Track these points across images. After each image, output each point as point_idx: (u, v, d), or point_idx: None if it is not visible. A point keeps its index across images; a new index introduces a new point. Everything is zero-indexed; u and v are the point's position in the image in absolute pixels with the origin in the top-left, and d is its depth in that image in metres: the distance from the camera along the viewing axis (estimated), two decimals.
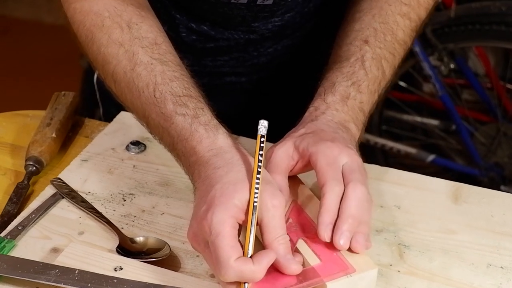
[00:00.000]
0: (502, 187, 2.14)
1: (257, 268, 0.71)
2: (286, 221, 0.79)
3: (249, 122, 1.15)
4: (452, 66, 2.12)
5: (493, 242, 0.88)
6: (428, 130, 2.34)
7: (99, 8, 0.90)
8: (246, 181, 0.74)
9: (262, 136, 0.76)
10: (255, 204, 0.73)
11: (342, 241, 0.75)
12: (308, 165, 0.81)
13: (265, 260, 0.72)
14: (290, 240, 0.76)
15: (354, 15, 0.98)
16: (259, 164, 0.74)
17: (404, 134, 2.35)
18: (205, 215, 0.73)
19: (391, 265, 0.84)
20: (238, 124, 1.08)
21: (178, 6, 1.05)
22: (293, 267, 0.73)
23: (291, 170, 0.83)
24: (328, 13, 1.11)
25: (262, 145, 0.76)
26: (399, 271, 0.83)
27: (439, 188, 0.97)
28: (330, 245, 0.76)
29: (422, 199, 0.95)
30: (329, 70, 0.92)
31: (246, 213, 0.73)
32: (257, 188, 0.73)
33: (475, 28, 1.98)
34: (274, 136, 0.86)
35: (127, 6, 0.91)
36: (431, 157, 2.23)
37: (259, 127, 0.77)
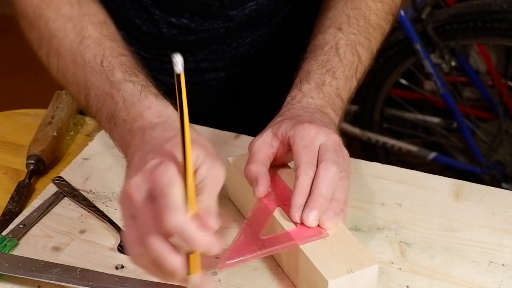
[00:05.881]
0: (503, 185, 2.14)
1: (202, 235, 0.64)
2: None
3: (232, 118, 1.16)
4: (453, 63, 2.12)
5: (494, 239, 0.88)
6: (429, 128, 2.34)
7: None
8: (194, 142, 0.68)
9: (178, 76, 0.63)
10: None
11: (311, 218, 0.77)
12: (291, 149, 0.83)
13: (211, 238, 0.65)
14: (268, 208, 0.80)
15: (328, 3, 1.00)
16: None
17: (405, 132, 2.36)
18: (157, 167, 0.68)
19: (392, 263, 0.84)
20: (222, 121, 1.09)
21: (156, 1, 1.06)
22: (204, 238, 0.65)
23: (275, 158, 0.84)
24: (304, 0, 1.13)
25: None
26: (400, 268, 0.83)
27: (441, 186, 0.97)
28: None
29: (424, 197, 0.95)
30: (304, 60, 0.94)
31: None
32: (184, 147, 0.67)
33: (477, 26, 1.98)
34: (257, 129, 0.88)
35: None
36: (432, 155, 2.23)
37: (175, 62, 0.62)
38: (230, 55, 1.12)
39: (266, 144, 0.83)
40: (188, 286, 0.67)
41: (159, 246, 0.65)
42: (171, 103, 0.80)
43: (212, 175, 0.69)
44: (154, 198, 0.66)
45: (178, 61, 0.62)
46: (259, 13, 1.09)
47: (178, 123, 0.67)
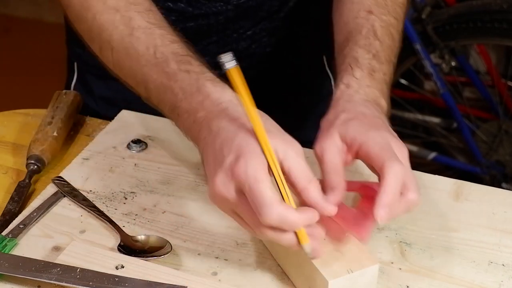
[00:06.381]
0: (503, 185, 2.14)
1: (301, 217, 0.71)
2: None
3: None
4: (453, 63, 2.12)
5: (494, 239, 0.88)
6: (429, 128, 2.34)
7: None
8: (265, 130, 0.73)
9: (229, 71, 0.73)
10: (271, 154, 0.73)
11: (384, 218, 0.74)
12: (355, 156, 0.80)
13: (310, 213, 0.71)
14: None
15: None
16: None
17: (405, 132, 2.36)
18: (236, 163, 0.71)
19: (392, 262, 0.84)
20: None
21: None
22: (330, 208, 0.73)
23: None
24: None
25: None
26: (400, 268, 0.83)
27: (441, 186, 0.97)
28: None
29: (424, 196, 0.94)
30: (344, 47, 0.91)
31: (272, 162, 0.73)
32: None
33: (477, 26, 1.98)
34: None
35: None
36: (432, 155, 2.23)
37: (224, 60, 0.73)
38: (231, 48, 1.11)
39: (338, 150, 0.79)
40: (305, 252, 0.73)
41: (269, 234, 0.72)
42: (228, 86, 0.79)
43: (290, 157, 0.73)
44: (245, 193, 0.71)
45: (225, 59, 0.72)
46: (259, 1, 1.08)
47: (241, 109, 0.74)
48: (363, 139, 0.78)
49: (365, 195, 0.80)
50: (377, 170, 0.76)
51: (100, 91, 1.20)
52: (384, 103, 0.86)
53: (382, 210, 0.73)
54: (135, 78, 0.87)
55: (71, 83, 1.24)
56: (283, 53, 1.16)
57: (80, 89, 1.22)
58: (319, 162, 0.79)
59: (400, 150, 0.78)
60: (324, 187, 0.77)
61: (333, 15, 1.00)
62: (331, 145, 0.79)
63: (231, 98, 0.79)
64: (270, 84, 1.19)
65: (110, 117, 1.09)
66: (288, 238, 0.72)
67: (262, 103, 1.03)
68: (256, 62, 1.15)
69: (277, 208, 0.70)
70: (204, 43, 1.10)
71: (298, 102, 1.24)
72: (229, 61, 0.73)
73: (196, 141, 0.80)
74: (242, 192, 0.72)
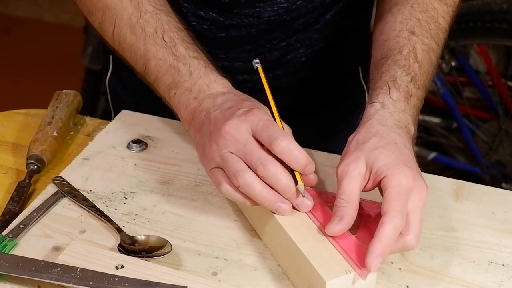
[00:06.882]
0: (503, 185, 2.14)
1: (304, 153, 0.80)
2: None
3: None
4: (453, 63, 2.12)
5: (494, 239, 0.88)
6: (429, 128, 2.34)
7: None
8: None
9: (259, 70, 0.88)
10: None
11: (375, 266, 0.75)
12: (378, 185, 0.80)
13: (309, 158, 0.81)
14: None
15: (391, 8, 0.96)
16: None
17: None
18: (249, 111, 0.81)
19: (392, 263, 0.84)
20: None
21: None
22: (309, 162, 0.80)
23: None
24: (347, 8, 1.10)
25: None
26: (400, 269, 0.83)
27: (441, 186, 0.97)
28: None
29: None
30: (382, 64, 0.90)
31: None
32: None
33: (477, 26, 1.98)
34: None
35: None
36: (432, 155, 2.23)
37: (255, 63, 0.89)
38: (264, 57, 1.08)
39: (360, 176, 0.79)
40: (299, 191, 0.81)
41: (273, 166, 0.79)
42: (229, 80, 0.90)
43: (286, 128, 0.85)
44: (256, 132, 0.80)
45: (255, 62, 0.89)
46: (293, 15, 1.05)
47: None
48: (388, 173, 0.78)
49: (368, 215, 0.82)
50: (382, 212, 0.77)
51: (134, 85, 1.20)
52: (412, 129, 0.86)
53: (376, 260, 0.74)
54: (135, 54, 0.94)
55: (106, 76, 1.24)
56: (318, 63, 1.13)
57: (114, 82, 1.22)
58: (338, 183, 0.79)
59: (420, 192, 0.78)
60: (333, 211, 0.78)
61: (374, 31, 0.99)
62: (354, 171, 0.79)
63: (232, 87, 0.89)
64: (304, 93, 1.16)
65: (142, 111, 1.09)
66: (287, 175, 0.79)
67: (295, 112, 1.02)
68: (291, 71, 1.12)
69: (288, 139, 0.79)
70: (237, 51, 1.09)
71: (331, 112, 1.22)
72: (257, 63, 0.89)
73: (191, 114, 0.88)
74: (251, 134, 0.81)
